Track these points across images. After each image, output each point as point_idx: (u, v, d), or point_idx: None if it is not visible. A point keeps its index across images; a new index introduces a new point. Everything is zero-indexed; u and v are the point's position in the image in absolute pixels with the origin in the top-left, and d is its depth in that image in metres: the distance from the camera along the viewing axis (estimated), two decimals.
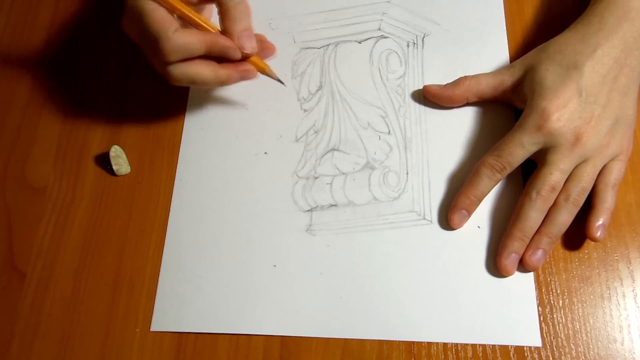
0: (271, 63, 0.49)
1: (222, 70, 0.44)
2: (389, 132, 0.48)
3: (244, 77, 0.45)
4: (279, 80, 0.48)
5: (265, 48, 0.48)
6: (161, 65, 0.43)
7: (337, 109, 0.49)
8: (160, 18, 0.41)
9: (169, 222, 0.47)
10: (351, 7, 0.52)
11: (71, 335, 0.44)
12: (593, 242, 0.43)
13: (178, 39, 0.40)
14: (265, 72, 0.47)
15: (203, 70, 0.43)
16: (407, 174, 0.46)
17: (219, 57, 0.44)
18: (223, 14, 0.43)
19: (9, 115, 0.51)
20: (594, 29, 0.43)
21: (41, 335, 0.44)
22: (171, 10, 0.42)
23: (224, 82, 0.45)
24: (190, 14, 0.43)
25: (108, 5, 0.55)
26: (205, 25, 0.43)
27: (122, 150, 0.48)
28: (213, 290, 0.44)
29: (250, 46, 0.44)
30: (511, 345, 0.41)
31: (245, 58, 0.44)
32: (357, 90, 0.50)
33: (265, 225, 0.46)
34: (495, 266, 0.43)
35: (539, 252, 0.42)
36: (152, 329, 0.44)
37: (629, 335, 0.41)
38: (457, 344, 0.41)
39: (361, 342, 0.42)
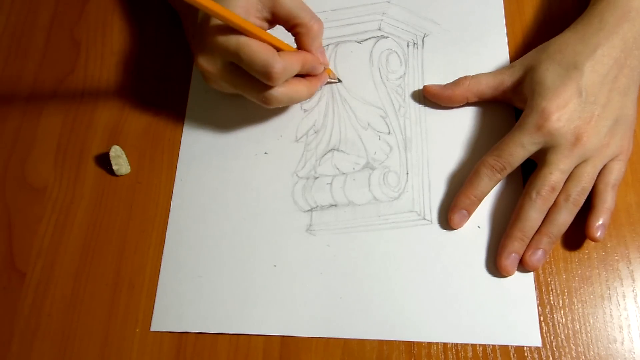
0: None
1: (311, 84, 0.46)
2: (389, 132, 0.48)
3: (321, 85, 0.48)
4: (339, 80, 0.50)
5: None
6: (261, 91, 0.43)
7: (337, 109, 0.49)
8: (262, 46, 0.41)
9: (169, 222, 0.47)
10: (351, 7, 0.52)
11: (71, 335, 0.44)
12: (593, 242, 0.43)
13: (284, 61, 0.41)
14: (331, 76, 0.49)
15: (300, 87, 0.45)
16: (407, 174, 0.46)
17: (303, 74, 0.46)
18: (303, 33, 0.44)
19: (9, 115, 0.51)
20: (594, 29, 0.43)
21: (41, 335, 0.44)
22: (262, 40, 0.42)
23: (312, 95, 0.47)
24: (277, 40, 0.43)
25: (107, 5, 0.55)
26: (290, 48, 0.45)
27: (122, 150, 0.48)
28: (213, 290, 0.44)
29: (326, 60, 0.47)
30: (511, 345, 0.41)
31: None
32: (357, 90, 0.50)
33: (265, 225, 0.46)
34: (495, 266, 0.43)
35: (539, 252, 0.42)
36: (152, 329, 0.44)
37: (629, 335, 0.41)
38: (457, 344, 0.41)
39: (361, 342, 0.42)
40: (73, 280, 0.45)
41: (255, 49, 0.41)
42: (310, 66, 0.45)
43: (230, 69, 0.43)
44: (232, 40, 0.41)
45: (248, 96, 0.45)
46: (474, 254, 0.44)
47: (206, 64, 0.43)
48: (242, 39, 0.41)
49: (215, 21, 0.41)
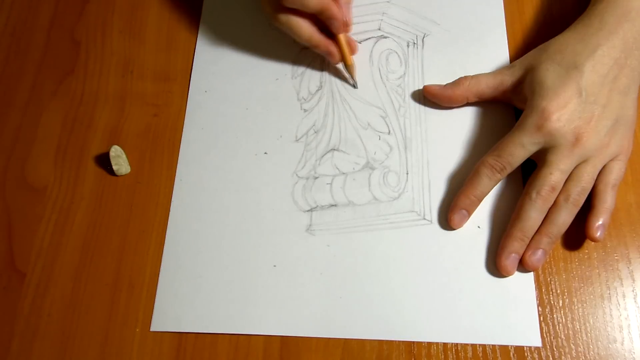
0: (271, 61, 0.50)
1: (317, 36, 0.47)
2: (389, 132, 0.48)
3: (328, 56, 0.49)
4: (354, 83, 0.50)
5: (352, 42, 0.50)
6: (273, 4, 0.46)
7: (337, 109, 0.49)
8: None
9: (169, 222, 0.47)
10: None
11: (71, 335, 0.44)
12: (593, 242, 0.43)
13: None
14: (348, 66, 0.49)
15: (303, 28, 0.47)
16: (407, 174, 0.46)
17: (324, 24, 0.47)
18: None
19: (9, 115, 0.51)
20: (594, 29, 0.43)
21: (41, 335, 0.44)
22: None
23: (313, 47, 0.48)
24: None
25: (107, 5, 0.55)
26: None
27: (122, 150, 0.48)
28: (213, 290, 0.44)
29: (349, 17, 0.48)
30: (511, 345, 0.41)
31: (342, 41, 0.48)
32: (357, 90, 0.50)
33: (265, 225, 0.46)
34: (495, 266, 0.43)
35: (539, 252, 0.42)
36: (152, 329, 0.44)
37: (629, 335, 0.41)
38: (457, 344, 0.41)
39: (361, 342, 0.42)
40: (73, 280, 0.45)
41: None
42: (328, 16, 0.46)
43: None
44: None
45: (263, 5, 0.48)
46: (474, 254, 0.44)
47: None
48: None
49: None
